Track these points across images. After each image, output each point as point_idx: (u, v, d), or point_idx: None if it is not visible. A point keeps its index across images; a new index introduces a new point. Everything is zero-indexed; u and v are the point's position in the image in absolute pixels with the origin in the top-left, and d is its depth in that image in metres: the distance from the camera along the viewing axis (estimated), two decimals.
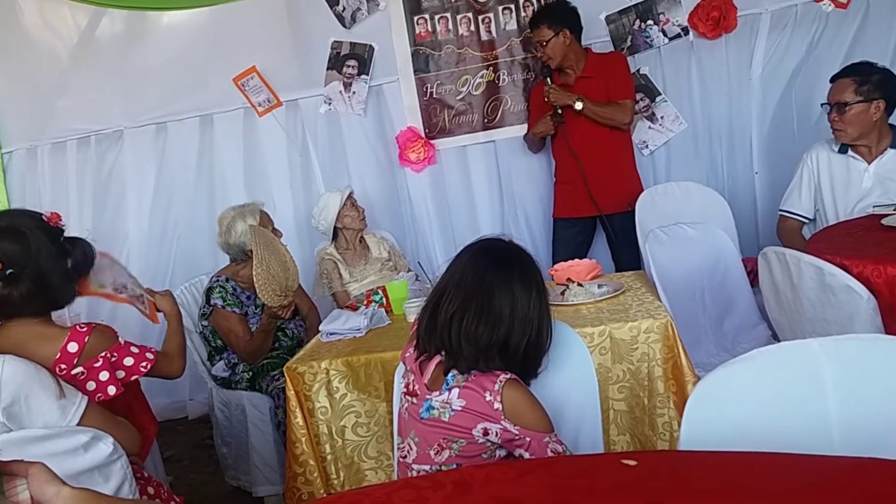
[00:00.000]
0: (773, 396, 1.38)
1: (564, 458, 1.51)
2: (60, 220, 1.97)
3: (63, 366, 1.88)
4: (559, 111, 3.60)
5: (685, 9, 3.93)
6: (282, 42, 4.20)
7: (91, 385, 1.92)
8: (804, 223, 3.13)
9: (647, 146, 4.06)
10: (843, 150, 2.99)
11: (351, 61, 4.19)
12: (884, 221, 2.50)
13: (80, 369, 1.90)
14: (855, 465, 1.14)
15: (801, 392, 1.37)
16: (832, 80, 2.98)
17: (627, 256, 3.58)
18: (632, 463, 1.21)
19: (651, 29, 3.99)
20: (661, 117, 4.04)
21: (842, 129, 2.91)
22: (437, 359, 1.69)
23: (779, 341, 2.50)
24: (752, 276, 3.07)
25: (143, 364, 2.04)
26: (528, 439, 1.57)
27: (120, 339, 2.04)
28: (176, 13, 4.22)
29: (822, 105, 3.02)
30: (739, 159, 4.05)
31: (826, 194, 3.04)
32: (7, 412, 1.64)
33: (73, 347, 1.90)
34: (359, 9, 4.14)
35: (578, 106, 3.52)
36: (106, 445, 1.61)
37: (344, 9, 4.14)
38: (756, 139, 4.01)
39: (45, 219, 1.93)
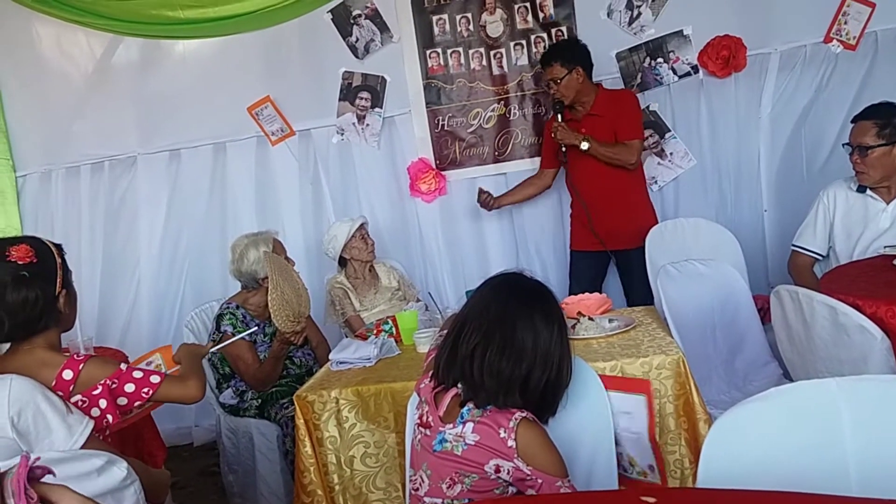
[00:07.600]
0: (790, 435, 1.38)
1: (584, 494, 1.50)
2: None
3: (59, 393, 1.86)
4: (563, 149, 3.62)
5: (695, 48, 3.97)
6: (295, 72, 4.26)
7: (95, 412, 1.91)
8: (817, 260, 3.12)
9: (656, 182, 4.08)
10: (861, 189, 2.98)
11: (364, 93, 4.24)
12: None
13: (79, 397, 1.89)
14: None
15: (819, 431, 1.36)
16: (853, 120, 2.97)
17: (640, 292, 3.56)
18: (651, 500, 1.20)
19: (661, 67, 4.03)
20: (671, 154, 4.07)
21: (864, 171, 2.91)
22: (454, 391, 1.67)
23: (790, 380, 2.49)
24: (762, 313, 3.07)
25: (146, 389, 1.98)
26: (539, 481, 1.55)
27: (123, 365, 1.99)
28: (191, 42, 4.28)
29: (843, 145, 3.03)
30: (748, 197, 4.07)
31: (841, 232, 3.03)
32: (16, 429, 1.65)
33: (67, 375, 1.89)
34: (372, 40, 4.20)
35: (584, 146, 3.52)
36: (120, 470, 1.60)
37: (357, 40, 4.20)
38: (765, 177, 4.03)
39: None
